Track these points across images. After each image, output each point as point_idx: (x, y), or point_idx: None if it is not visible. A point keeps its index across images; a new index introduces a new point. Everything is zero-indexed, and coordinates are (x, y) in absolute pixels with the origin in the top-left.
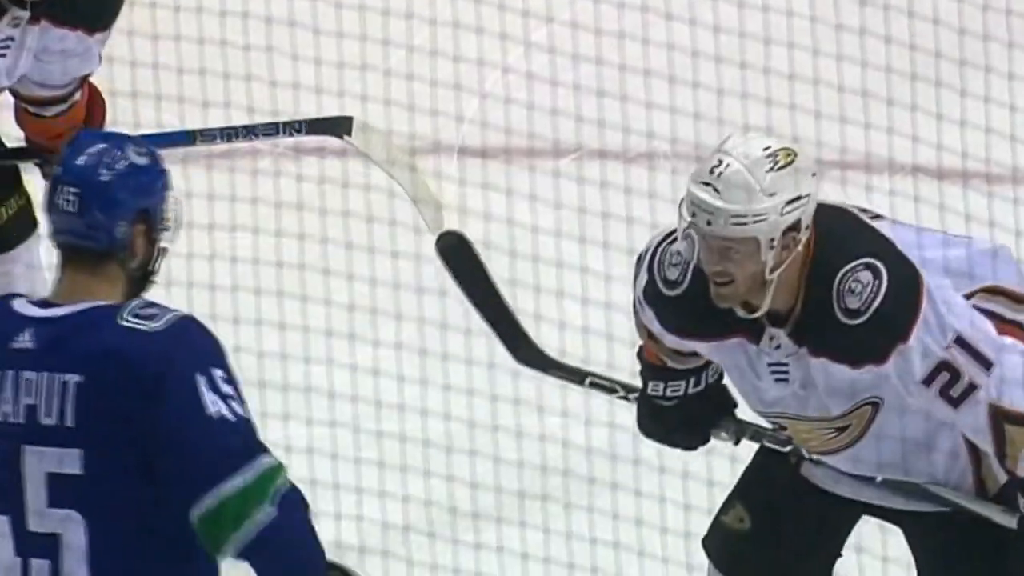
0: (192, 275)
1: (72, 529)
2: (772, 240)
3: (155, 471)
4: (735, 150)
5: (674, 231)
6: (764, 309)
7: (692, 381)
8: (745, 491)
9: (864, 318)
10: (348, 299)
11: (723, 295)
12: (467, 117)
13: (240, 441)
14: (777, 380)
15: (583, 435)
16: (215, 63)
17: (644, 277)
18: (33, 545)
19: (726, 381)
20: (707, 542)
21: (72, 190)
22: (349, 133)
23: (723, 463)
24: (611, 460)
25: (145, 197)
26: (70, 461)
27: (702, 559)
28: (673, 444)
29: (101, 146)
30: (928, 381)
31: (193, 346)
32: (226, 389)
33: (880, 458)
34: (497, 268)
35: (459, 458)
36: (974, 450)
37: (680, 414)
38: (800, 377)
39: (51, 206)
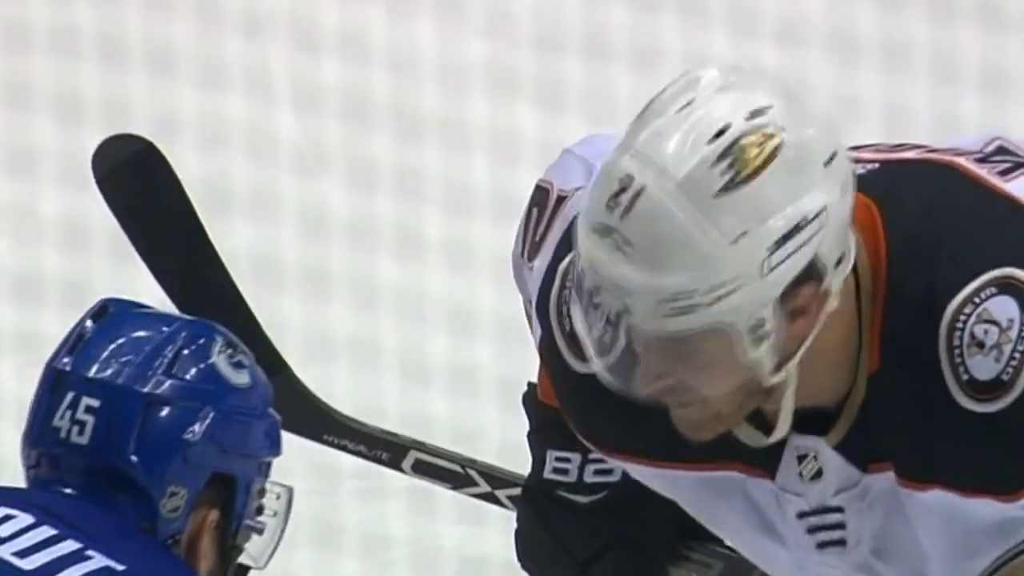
0: None
1: None
2: (760, 323)
3: None
4: (654, 148)
5: None
6: (783, 428)
7: None
8: None
9: (1013, 396)
10: None
11: (692, 422)
12: None
13: None
14: (821, 546)
15: None
16: None
17: (536, 324)
18: None
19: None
20: None
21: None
22: None
23: None
24: None
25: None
26: None
27: None
28: None
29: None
30: None
31: None
32: None
33: None
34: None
35: None
36: None
37: (610, 524)
38: (870, 534)
39: None
